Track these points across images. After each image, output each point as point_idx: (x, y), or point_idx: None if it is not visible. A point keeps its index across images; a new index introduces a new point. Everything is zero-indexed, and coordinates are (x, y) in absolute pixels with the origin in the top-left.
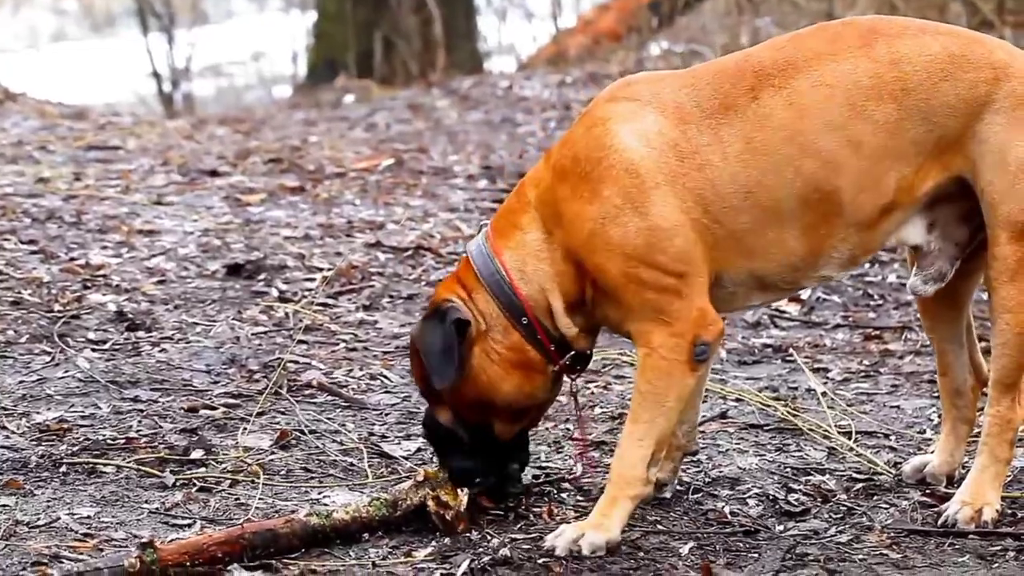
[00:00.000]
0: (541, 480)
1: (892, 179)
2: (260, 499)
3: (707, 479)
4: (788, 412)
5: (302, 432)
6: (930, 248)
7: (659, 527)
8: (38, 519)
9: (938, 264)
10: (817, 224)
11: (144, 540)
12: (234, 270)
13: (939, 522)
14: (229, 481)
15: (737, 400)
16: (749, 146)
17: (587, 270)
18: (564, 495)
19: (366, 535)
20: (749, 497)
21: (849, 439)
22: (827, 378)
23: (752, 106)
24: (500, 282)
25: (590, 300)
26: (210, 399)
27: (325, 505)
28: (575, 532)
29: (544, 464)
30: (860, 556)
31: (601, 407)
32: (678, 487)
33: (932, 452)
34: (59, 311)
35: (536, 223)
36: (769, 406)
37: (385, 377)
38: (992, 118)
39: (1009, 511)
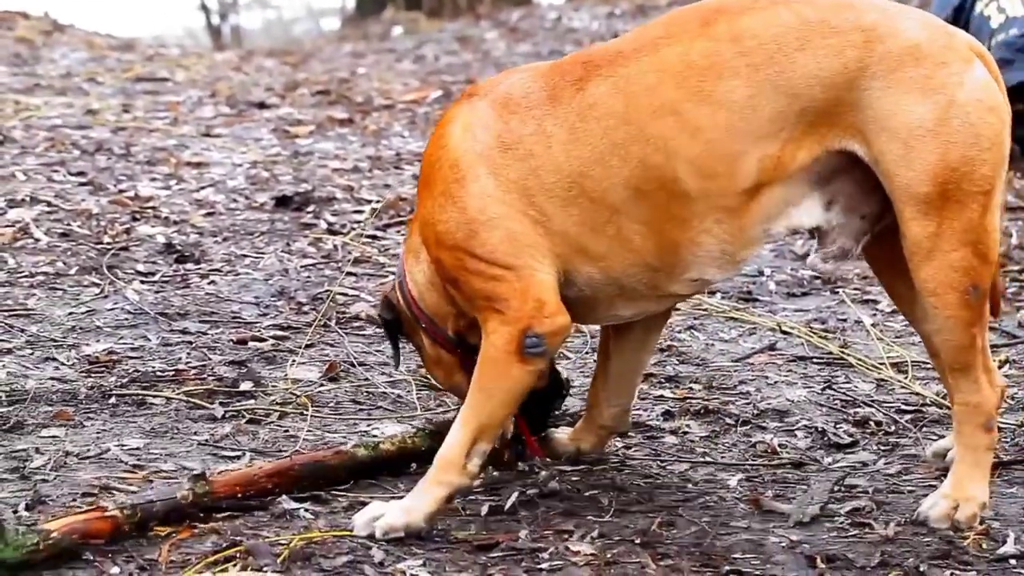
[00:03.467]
0: (582, 410)
1: (751, 160)
2: (309, 431)
3: (755, 411)
4: (839, 348)
5: (351, 364)
6: (830, 225)
7: (707, 459)
8: (88, 450)
9: (840, 241)
10: (661, 218)
11: (196, 472)
12: (283, 202)
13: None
14: (278, 413)
15: (784, 332)
16: (572, 136)
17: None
18: None
19: (414, 466)
20: (797, 429)
21: (898, 371)
22: (876, 310)
23: (578, 96)
24: (408, 293)
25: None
26: (259, 331)
27: (373, 437)
28: (378, 510)
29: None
30: (909, 487)
31: None
32: (727, 421)
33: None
34: (108, 243)
35: (417, 233)
36: (820, 345)
37: None
38: (871, 84)
39: None
